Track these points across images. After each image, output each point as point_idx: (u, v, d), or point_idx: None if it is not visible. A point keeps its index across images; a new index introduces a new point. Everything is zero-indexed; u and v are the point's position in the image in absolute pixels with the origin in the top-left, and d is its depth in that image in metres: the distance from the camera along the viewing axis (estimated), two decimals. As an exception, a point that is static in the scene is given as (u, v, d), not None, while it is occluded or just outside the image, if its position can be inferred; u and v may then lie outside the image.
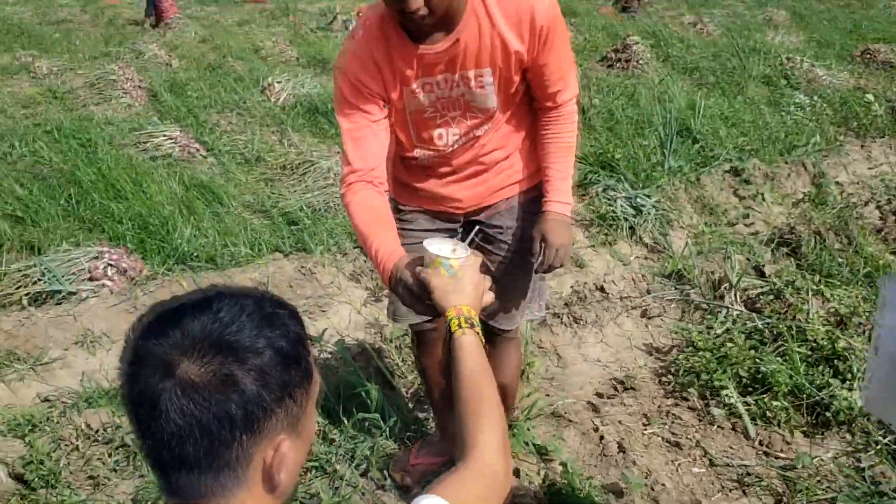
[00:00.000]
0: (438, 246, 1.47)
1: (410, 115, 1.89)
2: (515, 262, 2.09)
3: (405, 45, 1.76)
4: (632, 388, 2.96)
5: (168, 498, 0.91)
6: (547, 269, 1.94)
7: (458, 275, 1.41)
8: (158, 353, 0.87)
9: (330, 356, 3.19)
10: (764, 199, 4.87)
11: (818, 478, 2.43)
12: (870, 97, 7.14)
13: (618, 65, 9.44)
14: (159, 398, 0.85)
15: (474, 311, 1.38)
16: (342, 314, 3.54)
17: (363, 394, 2.71)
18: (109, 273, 3.53)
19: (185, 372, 0.85)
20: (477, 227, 2.02)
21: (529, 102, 2.00)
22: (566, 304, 3.57)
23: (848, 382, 2.73)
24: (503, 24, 1.76)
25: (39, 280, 3.49)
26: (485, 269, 1.65)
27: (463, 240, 1.89)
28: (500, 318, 2.18)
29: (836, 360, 2.84)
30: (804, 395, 2.74)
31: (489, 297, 1.47)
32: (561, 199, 1.95)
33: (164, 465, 0.88)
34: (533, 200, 2.03)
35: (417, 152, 1.99)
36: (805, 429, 2.68)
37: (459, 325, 1.32)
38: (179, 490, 0.89)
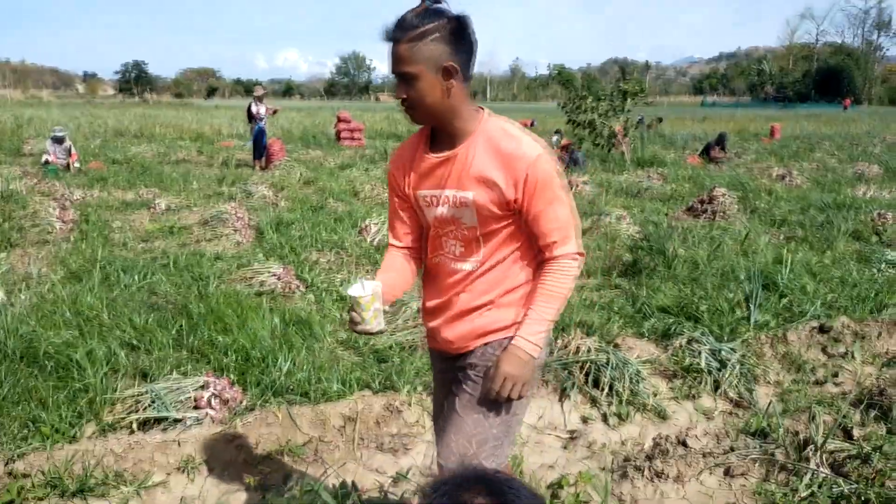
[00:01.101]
0: (357, 287, 2.10)
1: (424, 222, 2.21)
2: (479, 400, 2.14)
3: (424, 150, 2.12)
4: (713, 548, 2.92)
5: None
6: (495, 397, 2.03)
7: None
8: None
9: (413, 495, 3.29)
10: (854, 358, 4.80)
11: None
12: (967, 256, 7.02)
13: (704, 215, 9.59)
14: None
15: None
16: (426, 453, 3.65)
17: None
18: (213, 402, 3.78)
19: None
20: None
21: (525, 257, 2.14)
22: (648, 458, 3.58)
23: (942, 558, 2.63)
24: (497, 160, 1.99)
25: (149, 406, 3.77)
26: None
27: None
28: (454, 458, 2.15)
29: (929, 533, 2.76)
30: (895, 569, 2.66)
31: None
32: (527, 337, 2.05)
33: None
34: None
35: (429, 261, 2.26)
36: None
37: None
38: None
